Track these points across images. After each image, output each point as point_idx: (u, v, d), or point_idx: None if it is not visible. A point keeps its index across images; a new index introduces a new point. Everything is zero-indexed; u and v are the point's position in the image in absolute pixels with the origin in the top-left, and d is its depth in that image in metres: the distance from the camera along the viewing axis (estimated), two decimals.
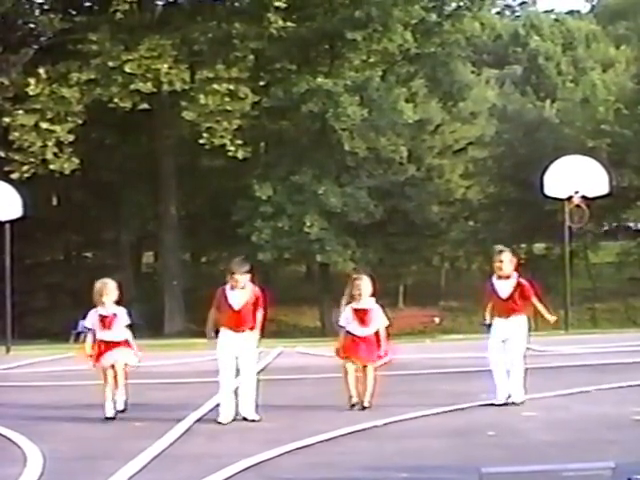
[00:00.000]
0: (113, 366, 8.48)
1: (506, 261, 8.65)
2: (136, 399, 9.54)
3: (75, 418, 8.51)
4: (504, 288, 8.65)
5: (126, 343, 8.62)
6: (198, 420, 8.36)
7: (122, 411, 8.53)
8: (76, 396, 8.58)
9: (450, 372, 11.50)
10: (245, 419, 8.27)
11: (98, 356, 8.50)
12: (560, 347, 14.61)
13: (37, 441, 7.41)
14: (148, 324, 31.51)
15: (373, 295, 8.89)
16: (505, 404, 8.54)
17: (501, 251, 8.75)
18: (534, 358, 12.31)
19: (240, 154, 29.73)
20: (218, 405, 8.42)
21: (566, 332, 19.68)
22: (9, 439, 7.73)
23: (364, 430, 7.62)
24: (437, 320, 32.83)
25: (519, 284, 8.65)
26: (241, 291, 8.31)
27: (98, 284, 8.65)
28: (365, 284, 8.81)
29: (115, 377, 8.51)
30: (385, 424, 7.84)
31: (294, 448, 6.91)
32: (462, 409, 8.48)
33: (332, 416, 8.42)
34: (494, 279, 8.73)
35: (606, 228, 40.43)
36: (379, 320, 8.84)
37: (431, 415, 8.25)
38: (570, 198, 20.18)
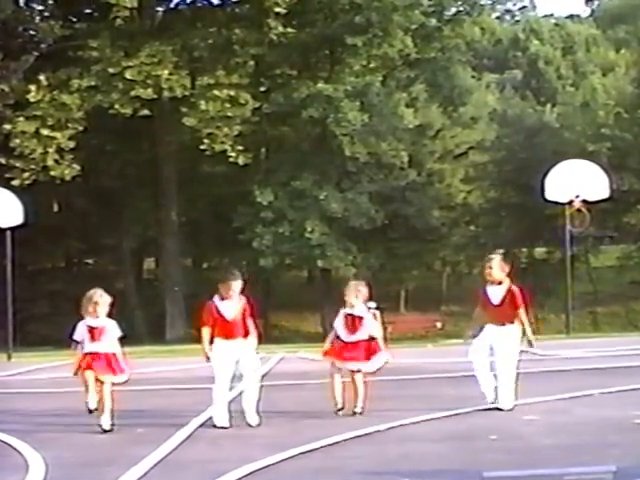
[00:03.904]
0: (99, 380, 8.24)
1: (495, 267, 8.65)
2: (138, 405, 9.55)
3: (77, 425, 8.51)
4: (496, 294, 8.64)
5: (114, 357, 8.37)
6: (200, 426, 8.37)
7: (109, 430, 8.23)
8: (78, 403, 8.56)
9: (452, 377, 11.49)
10: (249, 425, 8.28)
11: (84, 367, 8.24)
12: (561, 351, 14.61)
13: (39, 448, 7.41)
14: (149, 330, 31.57)
15: (370, 299, 8.93)
16: (494, 406, 8.55)
17: (491, 258, 8.77)
18: (536, 362, 12.33)
19: (241, 160, 29.75)
20: (211, 417, 8.41)
21: (567, 336, 19.71)
22: (11, 446, 7.73)
23: (366, 435, 7.63)
24: (439, 325, 32.84)
25: (510, 290, 8.63)
26: (231, 302, 8.37)
27: (91, 294, 8.41)
28: (349, 289, 8.87)
29: (101, 396, 8.25)
30: (387, 429, 7.85)
31: (297, 453, 6.91)
32: (464, 413, 8.48)
33: (334, 421, 8.42)
34: (487, 286, 8.74)
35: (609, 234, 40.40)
36: (370, 327, 8.80)
37: (433, 419, 8.25)
38: (571, 202, 20.20)
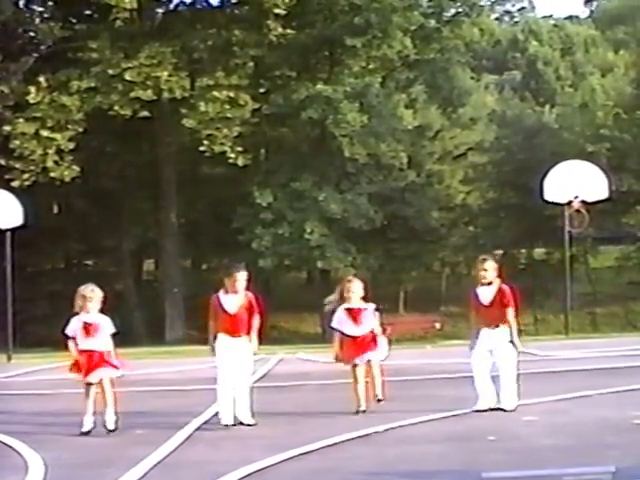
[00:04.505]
0: (100, 382, 8.28)
1: (490, 269, 8.69)
2: (137, 406, 9.56)
3: (76, 426, 8.50)
4: (486, 294, 8.67)
5: (108, 354, 8.33)
6: (199, 427, 8.38)
7: (113, 430, 8.24)
8: (77, 404, 8.58)
9: (451, 377, 11.51)
10: (242, 424, 8.32)
11: (84, 370, 8.24)
12: (561, 351, 14.62)
13: (38, 449, 7.43)
14: (149, 331, 31.57)
15: (365, 299, 9.08)
16: (489, 410, 8.55)
17: (485, 259, 8.81)
18: (535, 363, 12.36)
19: (240, 161, 29.74)
20: (217, 413, 8.44)
21: (567, 336, 19.73)
22: (11, 447, 7.75)
23: (365, 436, 7.64)
24: (438, 326, 32.72)
25: (500, 290, 8.66)
26: (235, 296, 8.38)
27: (82, 288, 8.37)
28: (356, 286, 9.04)
29: (103, 394, 8.28)
30: (386, 430, 7.86)
31: (295, 454, 6.93)
32: (463, 414, 8.50)
33: (333, 422, 8.44)
34: (478, 288, 8.77)
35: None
36: (372, 320, 9.03)
37: (432, 420, 8.26)
38: (570, 203, 20.21)
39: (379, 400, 8.85)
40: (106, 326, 8.40)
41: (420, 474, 6.27)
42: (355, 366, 8.90)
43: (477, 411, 8.52)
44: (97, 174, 32.13)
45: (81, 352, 8.32)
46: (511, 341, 8.61)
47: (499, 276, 8.75)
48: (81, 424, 8.27)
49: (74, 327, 8.36)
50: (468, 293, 9.04)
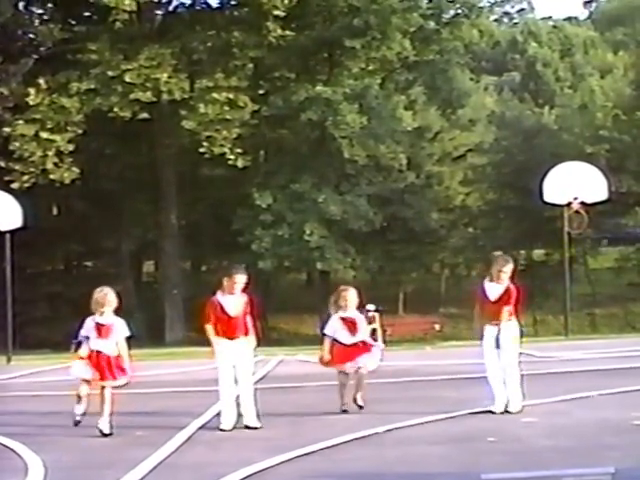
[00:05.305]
0: (103, 387, 8.32)
1: (508, 272, 8.71)
2: (137, 408, 9.56)
3: (76, 428, 8.51)
4: (494, 291, 8.70)
5: (117, 359, 8.37)
6: (199, 429, 8.38)
7: (109, 434, 8.24)
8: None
9: (451, 379, 11.52)
10: (247, 427, 8.31)
11: (89, 369, 8.27)
12: (560, 353, 14.63)
13: (38, 451, 7.43)
14: (149, 333, 31.56)
15: (359, 307, 9.28)
16: (503, 412, 8.56)
17: (507, 261, 8.77)
18: (535, 364, 12.36)
19: (240, 163, 29.73)
20: (219, 414, 8.46)
21: (566, 337, 19.73)
22: (10, 449, 7.75)
23: (365, 437, 7.65)
24: (437, 327, 32.75)
25: (508, 288, 8.69)
26: (234, 297, 8.39)
27: (98, 293, 8.43)
28: (352, 295, 9.14)
29: (102, 400, 8.31)
30: (386, 431, 7.86)
31: (295, 456, 6.93)
32: (463, 415, 8.50)
33: (333, 423, 8.44)
34: (485, 282, 8.80)
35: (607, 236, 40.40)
36: (364, 329, 9.27)
37: (432, 422, 8.27)
38: (569, 204, 20.23)
39: (360, 407, 8.90)
40: (120, 328, 8.43)
41: (420, 475, 6.28)
42: (343, 372, 9.01)
43: (493, 412, 8.50)
44: (97, 176, 32.10)
45: (90, 352, 8.33)
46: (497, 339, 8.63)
47: (511, 278, 8.79)
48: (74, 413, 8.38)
49: (88, 327, 8.39)
50: (474, 288, 9.06)
